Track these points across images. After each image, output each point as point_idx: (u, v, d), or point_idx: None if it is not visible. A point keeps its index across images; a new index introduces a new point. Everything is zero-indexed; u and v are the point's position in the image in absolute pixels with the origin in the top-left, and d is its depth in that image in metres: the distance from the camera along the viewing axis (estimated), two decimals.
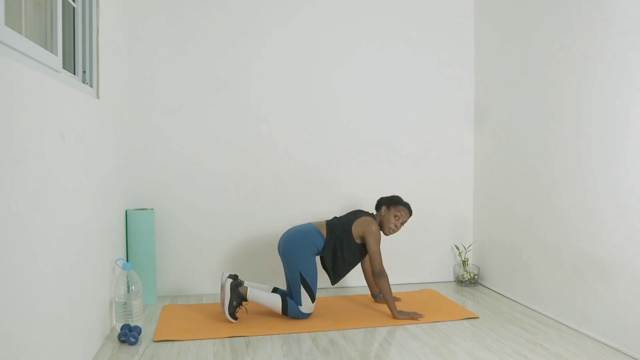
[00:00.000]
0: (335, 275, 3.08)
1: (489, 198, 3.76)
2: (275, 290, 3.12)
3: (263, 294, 2.96)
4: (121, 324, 2.71)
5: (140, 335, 2.68)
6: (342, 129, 3.74)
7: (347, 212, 3.42)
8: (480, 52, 3.84)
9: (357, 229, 3.04)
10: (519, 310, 3.18)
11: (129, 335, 2.59)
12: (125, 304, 2.74)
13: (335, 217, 3.18)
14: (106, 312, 2.70)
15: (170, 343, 2.64)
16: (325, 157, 3.72)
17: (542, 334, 2.77)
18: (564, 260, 2.93)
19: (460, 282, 3.82)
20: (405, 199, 3.23)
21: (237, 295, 2.91)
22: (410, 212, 3.16)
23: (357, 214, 3.14)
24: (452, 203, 3.93)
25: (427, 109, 3.87)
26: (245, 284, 3.04)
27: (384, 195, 3.26)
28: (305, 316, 2.96)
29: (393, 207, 3.12)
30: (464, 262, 3.82)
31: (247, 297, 2.93)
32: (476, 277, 3.79)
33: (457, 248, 3.90)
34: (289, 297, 2.99)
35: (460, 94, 3.91)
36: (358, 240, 3.06)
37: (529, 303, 3.25)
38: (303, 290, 2.93)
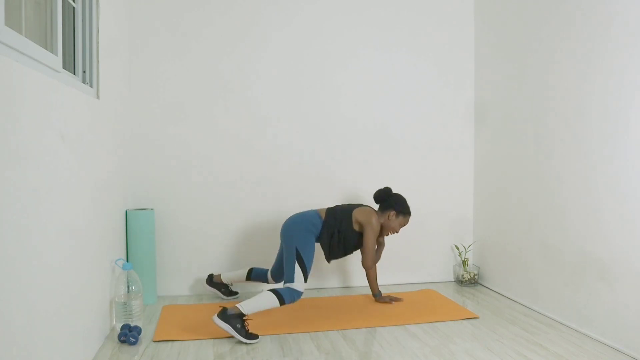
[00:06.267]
0: (331, 255, 3.12)
1: (489, 198, 3.76)
2: (249, 272, 3.30)
3: (257, 301, 2.73)
4: (121, 324, 2.71)
5: (140, 335, 2.68)
6: (343, 129, 3.74)
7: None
8: (480, 52, 3.84)
9: (358, 215, 3.08)
10: (519, 310, 3.18)
11: (129, 335, 2.59)
12: (125, 304, 2.74)
13: (337, 205, 3.22)
14: (106, 312, 2.70)
15: (170, 343, 2.64)
16: (326, 156, 3.72)
17: (542, 334, 2.77)
18: (564, 260, 2.93)
19: (460, 282, 3.82)
20: (404, 197, 3.27)
21: (232, 318, 2.64)
22: None
23: (360, 205, 3.19)
24: (452, 203, 3.93)
25: (427, 109, 3.87)
26: (222, 276, 3.32)
27: (394, 194, 3.23)
28: (299, 294, 2.82)
29: (402, 216, 3.18)
30: (464, 262, 3.82)
31: (243, 312, 2.67)
32: (476, 277, 3.79)
33: (457, 248, 3.90)
34: (277, 289, 2.81)
35: (460, 94, 3.91)
36: (356, 227, 3.08)
37: (529, 303, 3.25)
38: (297, 267, 2.86)
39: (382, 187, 3.32)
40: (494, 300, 3.42)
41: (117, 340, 2.64)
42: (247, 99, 3.60)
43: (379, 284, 3.44)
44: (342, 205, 3.20)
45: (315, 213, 3.10)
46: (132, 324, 2.72)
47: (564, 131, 2.93)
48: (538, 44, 3.15)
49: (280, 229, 3.13)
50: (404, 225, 3.22)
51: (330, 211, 3.11)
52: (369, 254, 3.10)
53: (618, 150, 2.56)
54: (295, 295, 2.82)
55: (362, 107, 3.77)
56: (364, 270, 3.20)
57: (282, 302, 2.77)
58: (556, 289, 3.00)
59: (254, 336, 2.66)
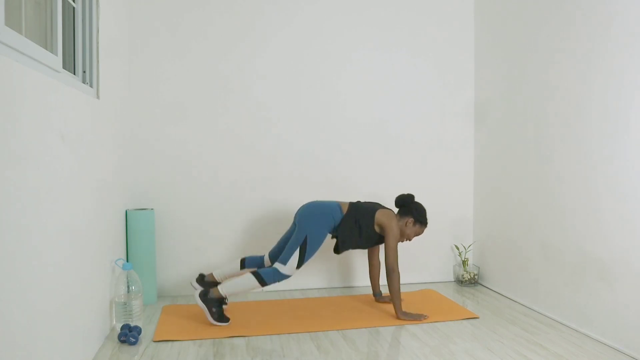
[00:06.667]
0: (344, 246, 3.06)
1: (489, 198, 3.76)
2: (242, 262, 3.15)
3: (235, 282, 2.87)
4: (121, 324, 2.71)
5: (140, 335, 2.68)
6: (343, 129, 3.74)
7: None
8: (480, 52, 3.84)
9: (381, 216, 3.05)
10: (519, 310, 3.18)
11: (129, 335, 2.59)
12: (125, 304, 2.74)
13: (359, 201, 3.18)
14: (106, 312, 2.70)
15: (170, 343, 2.64)
16: (326, 156, 3.72)
17: (542, 334, 2.77)
18: (565, 260, 2.93)
19: (460, 282, 3.82)
20: (425, 208, 3.22)
21: (212, 301, 2.84)
22: None
23: (381, 206, 3.16)
24: (452, 203, 3.93)
25: (427, 109, 3.87)
26: (215, 273, 3.10)
27: (416, 202, 3.18)
28: (285, 277, 2.89)
29: (419, 225, 3.16)
30: (464, 262, 3.82)
31: (223, 295, 2.86)
32: (476, 277, 3.79)
33: (457, 248, 3.90)
34: (258, 270, 2.90)
35: (460, 94, 3.91)
36: (376, 228, 3.06)
37: (529, 303, 3.25)
38: (297, 253, 2.88)
39: (404, 192, 3.34)
40: (494, 300, 3.42)
41: (117, 340, 2.64)
42: (247, 99, 3.60)
43: (380, 283, 3.42)
44: (364, 202, 3.17)
45: (337, 206, 3.07)
46: (132, 324, 2.72)
47: (564, 131, 2.93)
48: (538, 44, 3.15)
49: (299, 209, 3.08)
50: (419, 234, 3.18)
51: (353, 207, 3.08)
52: (392, 255, 3.00)
53: (618, 150, 2.56)
54: (279, 277, 2.89)
55: (362, 107, 3.77)
56: (389, 276, 3.02)
57: (263, 283, 2.88)
58: (556, 289, 3.00)
59: (225, 319, 2.87)
